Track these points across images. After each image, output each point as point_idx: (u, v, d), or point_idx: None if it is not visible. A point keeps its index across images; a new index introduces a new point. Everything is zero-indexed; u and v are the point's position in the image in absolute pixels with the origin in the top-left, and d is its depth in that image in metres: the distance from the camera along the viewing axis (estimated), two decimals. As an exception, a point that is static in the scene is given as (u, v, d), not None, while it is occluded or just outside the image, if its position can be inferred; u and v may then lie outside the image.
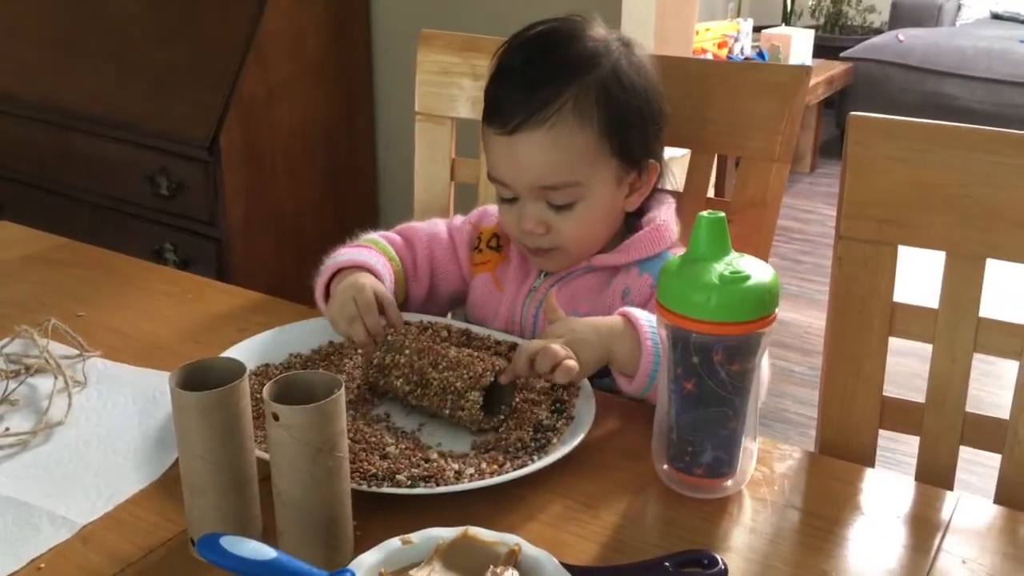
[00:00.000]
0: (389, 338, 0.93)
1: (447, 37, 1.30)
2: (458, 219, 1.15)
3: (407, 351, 0.90)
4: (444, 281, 1.11)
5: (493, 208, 1.12)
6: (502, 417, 0.88)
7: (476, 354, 0.90)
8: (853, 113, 0.91)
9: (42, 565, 0.71)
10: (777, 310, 0.76)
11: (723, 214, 0.77)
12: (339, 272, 1.01)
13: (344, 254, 1.03)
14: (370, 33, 2.27)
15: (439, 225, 1.13)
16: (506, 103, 0.96)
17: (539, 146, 0.95)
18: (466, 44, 1.28)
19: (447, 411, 0.87)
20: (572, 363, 0.84)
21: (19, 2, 2.39)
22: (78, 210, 2.22)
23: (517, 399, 0.90)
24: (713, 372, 0.76)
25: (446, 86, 1.30)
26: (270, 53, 2.02)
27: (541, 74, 0.96)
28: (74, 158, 2.19)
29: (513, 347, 0.99)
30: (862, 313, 0.92)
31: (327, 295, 1.01)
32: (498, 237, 1.10)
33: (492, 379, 0.87)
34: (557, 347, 0.84)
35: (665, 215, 1.04)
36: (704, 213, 0.77)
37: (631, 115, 0.98)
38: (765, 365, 0.88)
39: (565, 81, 0.95)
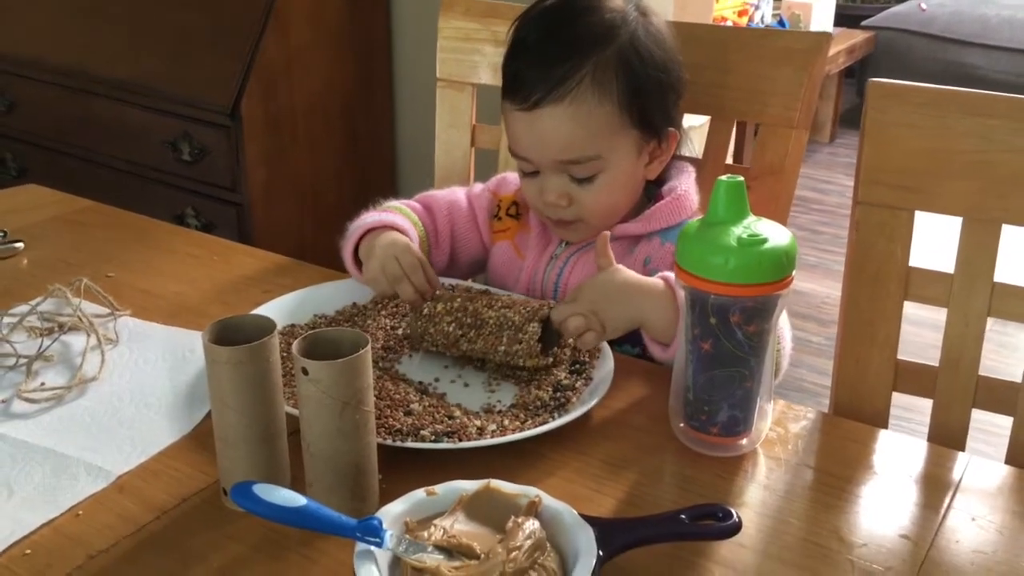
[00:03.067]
0: (438, 292, 0.95)
1: (468, 3, 1.30)
2: (477, 186, 1.16)
3: (459, 299, 0.93)
4: (464, 248, 1.13)
5: (512, 175, 1.13)
6: (552, 359, 0.90)
7: (528, 301, 0.94)
8: (872, 79, 0.92)
9: (80, 512, 0.74)
10: (794, 272, 0.77)
11: (742, 178, 0.78)
12: (368, 233, 1.02)
13: (372, 216, 1.04)
14: (389, -1, 2.28)
15: (458, 193, 1.15)
16: (525, 79, 0.97)
17: (560, 121, 0.96)
18: (487, 10, 1.29)
19: (502, 348, 0.89)
20: (591, 336, 0.88)
21: (41, -32, 2.40)
22: (101, 175, 2.25)
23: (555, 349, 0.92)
24: (730, 333, 0.78)
25: (467, 52, 1.31)
26: (289, 19, 2.03)
27: (559, 48, 0.96)
28: (97, 123, 2.21)
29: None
30: (878, 277, 0.94)
31: (355, 257, 1.03)
32: (517, 205, 1.11)
33: (548, 313, 0.89)
34: (579, 322, 0.87)
35: (686, 184, 1.05)
36: (723, 177, 0.78)
37: (650, 85, 0.99)
38: (787, 336, 0.89)
39: (583, 55, 0.95)
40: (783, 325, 0.87)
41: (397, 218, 1.05)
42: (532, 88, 0.96)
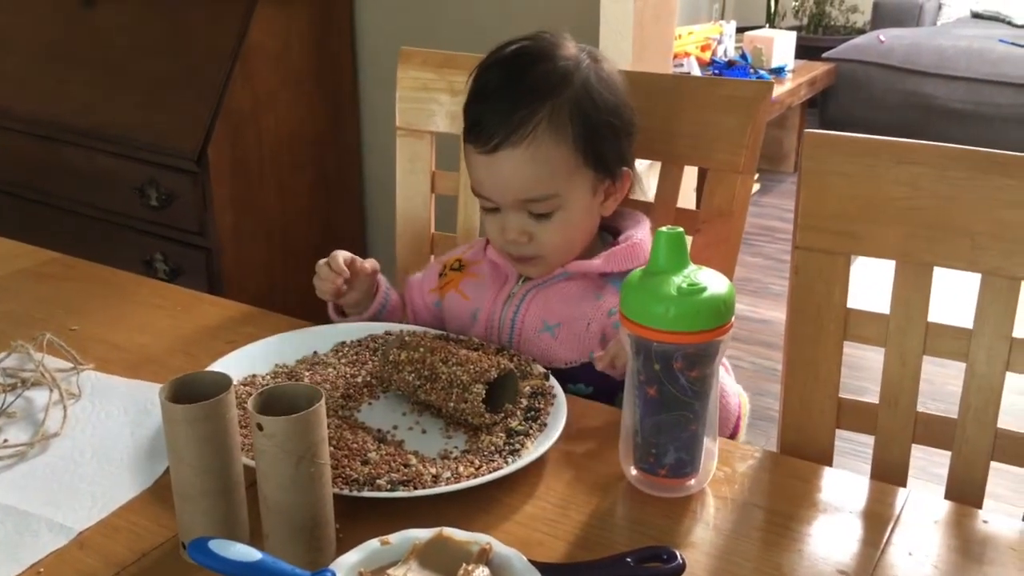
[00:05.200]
0: (407, 338, 0.99)
1: (425, 54, 1.34)
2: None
3: (422, 349, 0.96)
4: (420, 318, 1.20)
5: (459, 250, 1.21)
6: (503, 415, 0.92)
7: (486, 355, 0.97)
8: (808, 130, 0.96)
9: (41, 569, 0.76)
10: (734, 318, 0.81)
11: (681, 229, 0.81)
12: None
13: None
14: (354, 46, 2.31)
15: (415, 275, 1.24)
16: (485, 123, 1.02)
17: (519, 163, 1.01)
18: (443, 61, 1.33)
19: (451, 404, 0.92)
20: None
21: (8, 15, 2.42)
22: (69, 221, 2.26)
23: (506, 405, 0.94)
24: (674, 378, 0.81)
25: (425, 101, 1.34)
26: (256, 65, 2.06)
27: (517, 94, 1.01)
28: (64, 170, 2.22)
29: (499, 350, 1.04)
30: (818, 319, 0.97)
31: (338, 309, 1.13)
32: (460, 261, 1.18)
33: (496, 375, 0.92)
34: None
35: (642, 234, 1.09)
36: (663, 228, 0.82)
37: (603, 128, 1.03)
38: (745, 403, 0.95)
39: (540, 100, 1.00)
40: (739, 393, 0.92)
41: None
42: (492, 132, 1.01)
